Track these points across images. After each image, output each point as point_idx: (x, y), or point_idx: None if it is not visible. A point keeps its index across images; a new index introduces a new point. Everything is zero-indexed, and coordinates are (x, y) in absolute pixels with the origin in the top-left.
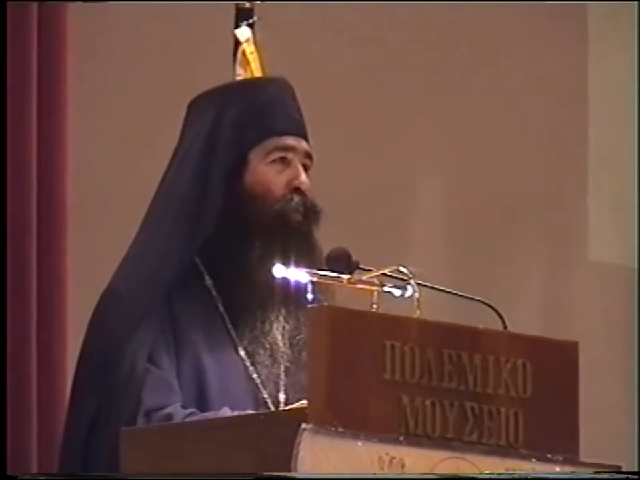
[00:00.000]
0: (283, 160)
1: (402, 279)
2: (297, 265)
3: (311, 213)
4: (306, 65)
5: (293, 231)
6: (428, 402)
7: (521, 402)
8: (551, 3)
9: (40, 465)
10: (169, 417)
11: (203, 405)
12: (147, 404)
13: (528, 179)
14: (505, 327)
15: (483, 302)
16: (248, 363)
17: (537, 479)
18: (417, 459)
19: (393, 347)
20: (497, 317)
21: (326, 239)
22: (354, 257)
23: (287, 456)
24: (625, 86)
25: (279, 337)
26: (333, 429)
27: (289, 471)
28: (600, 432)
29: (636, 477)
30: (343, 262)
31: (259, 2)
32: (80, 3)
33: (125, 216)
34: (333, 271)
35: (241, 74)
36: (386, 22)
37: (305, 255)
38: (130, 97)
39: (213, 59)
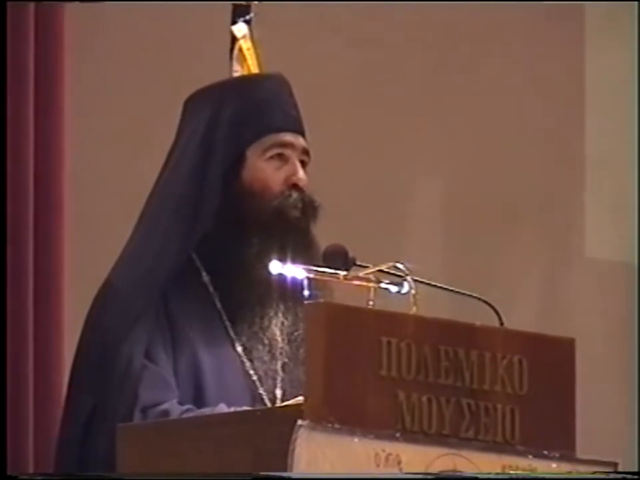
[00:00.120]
0: (281, 156)
1: (398, 276)
2: (295, 261)
3: (309, 209)
4: (303, 64)
5: (291, 227)
6: (424, 398)
7: (518, 398)
8: (548, 3)
9: (36, 464)
10: (166, 413)
11: (199, 401)
12: (143, 400)
13: (526, 178)
14: (502, 324)
15: (479, 298)
16: (245, 359)
17: (535, 479)
18: (413, 455)
19: (389, 343)
20: (493, 314)
21: (323, 235)
22: (350, 254)
23: (284, 452)
24: (622, 85)
25: (278, 333)
26: (330, 425)
27: (286, 467)
28: (598, 429)
29: (635, 477)
30: (339, 258)
31: (256, 2)
32: (77, 2)
33: (121, 215)
34: (329, 268)
35: (237, 70)
36: (384, 21)
37: (303, 251)
38: (127, 97)
39: (210, 58)
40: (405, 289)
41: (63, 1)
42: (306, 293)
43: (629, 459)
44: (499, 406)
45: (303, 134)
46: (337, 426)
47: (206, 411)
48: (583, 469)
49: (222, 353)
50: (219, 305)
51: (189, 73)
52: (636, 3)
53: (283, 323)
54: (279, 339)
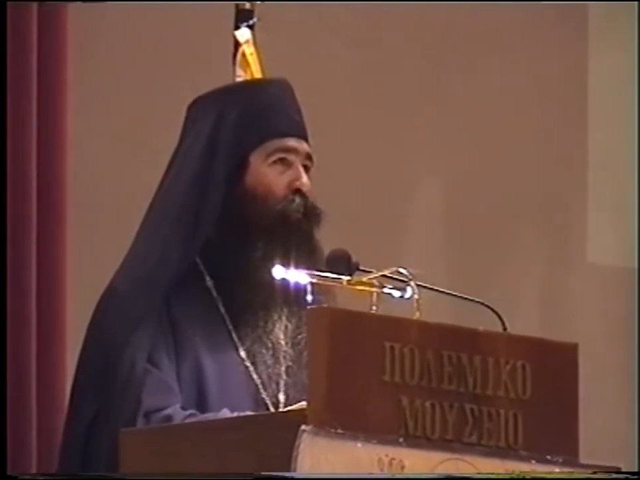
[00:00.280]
0: (284, 161)
1: (402, 281)
2: (298, 265)
3: (311, 214)
4: (304, 66)
5: (294, 231)
6: (427, 403)
7: (521, 403)
8: (550, 3)
9: (39, 464)
10: (169, 418)
11: (202, 406)
12: (146, 405)
13: (527, 180)
14: (505, 329)
15: (482, 303)
16: (248, 364)
17: (536, 479)
18: (416, 460)
19: (392, 348)
20: (496, 319)
21: (326, 240)
22: (354, 259)
23: (287, 457)
24: (625, 86)
25: (281, 337)
26: (333, 430)
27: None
28: (599, 432)
29: (635, 477)
30: (342, 263)
31: (258, 2)
32: (79, 2)
33: (124, 218)
34: (332, 272)
35: (241, 75)
36: (385, 23)
37: (306, 255)
38: (130, 97)
39: (212, 59)
40: (408, 294)
41: (66, 1)
42: (309, 297)
43: (630, 460)
44: (502, 411)
45: (306, 139)
46: (340, 431)
47: (209, 416)
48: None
49: (225, 358)
50: (222, 309)
51: (191, 73)
52: (636, 3)
53: (286, 327)
54: (283, 342)
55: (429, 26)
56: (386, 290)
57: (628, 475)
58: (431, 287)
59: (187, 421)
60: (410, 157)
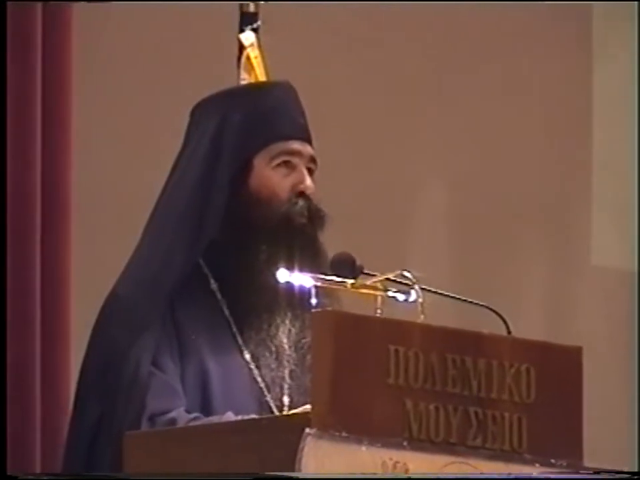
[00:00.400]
0: (288, 164)
1: (406, 284)
2: (303, 267)
3: (315, 217)
4: (307, 69)
5: (298, 234)
6: (432, 407)
7: (525, 407)
8: (553, 4)
9: (43, 467)
10: (173, 421)
11: (206, 409)
12: (150, 408)
13: (531, 182)
14: (509, 332)
15: (487, 307)
16: (253, 367)
17: (536, 479)
18: (420, 463)
19: (396, 351)
20: (500, 322)
21: (328, 242)
22: (358, 262)
23: (291, 461)
24: (629, 87)
25: (285, 340)
26: (337, 433)
27: None
28: (601, 434)
29: (636, 477)
30: (347, 267)
31: (262, 2)
32: (84, 3)
33: (128, 218)
34: (337, 276)
35: (245, 78)
36: (387, 24)
37: (310, 258)
38: (134, 98)
39: (216, 60)
40: (413, 297)
41: (71, 1)
42: (313, 301)
43: (631, 463)
44: (507, 414)
45: (310, 142)
46: (344, 434)
47: (213, 419)
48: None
49: (229, 361)
50: (226, 312)
51: (196, 73)
52: (636, 3)
53: (290, 330)
54: (287, 346)
55: (431, 27)
56: (390, 293)
57: (631, 475)
58: (435, 290)
59: (191, 424)
60: (412, 158)
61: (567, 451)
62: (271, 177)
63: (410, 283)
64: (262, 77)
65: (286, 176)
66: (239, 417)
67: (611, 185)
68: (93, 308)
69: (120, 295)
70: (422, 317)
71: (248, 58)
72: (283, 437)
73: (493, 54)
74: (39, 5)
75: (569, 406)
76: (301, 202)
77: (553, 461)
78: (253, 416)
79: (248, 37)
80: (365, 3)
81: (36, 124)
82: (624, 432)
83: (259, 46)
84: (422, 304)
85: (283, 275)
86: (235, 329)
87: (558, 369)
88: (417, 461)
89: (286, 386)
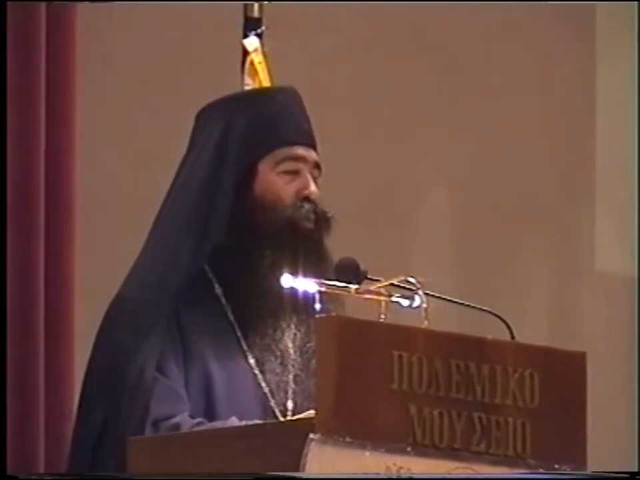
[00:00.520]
0: (293, 170)
1: (410, 289)
2: (307, 273)
3: (321, 220)
4: (312, 74)
5: (303, 238)
6: (436, 412)
7: (529, 412)
8: (557, 7)
9: (47, 466)
10: (177, 426)
11: (211, 414)
12: (155, 413)
13: (534, 186)
14: (513, 337)
15: (491, 312)
16: (257, 372)
17: (537, 479)
18: (424, 469)
19: (400, 357)
20: (504, 327)
21: (334, 248)
22: (362, 267)
23: (295, 466)
24: (634, 91)
25: (290, 345)
26: (341, 438)
27: None
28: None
29: (637, 477)
30: (351, 272)
31: (266, 1)
32: (87, 3)
33: (132, 219)
34: (341, 281)
35: (249, 84)
36: (390, 28)
37: (315, 263)
38: (138, 98)
39: (220, 63)
40: (417, 302)
41: (75, 1)
42: (317, 306)
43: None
44: (510, 420)
45: (314, 147)
46: (348, 440)
47: (217, 424)
48: None
49: (234, 366)
50: (231, 316)
51: (200, 75)
52: (636, 3)
53: (295, 335)
54: (291, 350)
55: (434, 29)
56: (394, 298)
57: (632, 475)
58: (439, 295)
59: (195, 429)
60: (416, 162)
61: (571, 456)
62: (276, 182)
63: (414, 288)
64: (266, 82)
65: (290, 181)
66: (243, 422)
67: (614, 188)
68: (96, 308)
69: (125, 296)
70: (426, 322)
71: (252, 63)
72: (286, 442)
73: (496, 54)
74: (43, 5)
75: (572, 411)
76: (306, 206)
77: (556, 466)
78: (257, 421)
79: (252, 42)
80: (369, 8)
81: (40, 124)
82: (624, 433)
83: (263, 51)
84: (426, 309)
85: (287, 281)
86: (239, 334)
87: (562, 374)
88: (421, 467)
89: (290, 391)
